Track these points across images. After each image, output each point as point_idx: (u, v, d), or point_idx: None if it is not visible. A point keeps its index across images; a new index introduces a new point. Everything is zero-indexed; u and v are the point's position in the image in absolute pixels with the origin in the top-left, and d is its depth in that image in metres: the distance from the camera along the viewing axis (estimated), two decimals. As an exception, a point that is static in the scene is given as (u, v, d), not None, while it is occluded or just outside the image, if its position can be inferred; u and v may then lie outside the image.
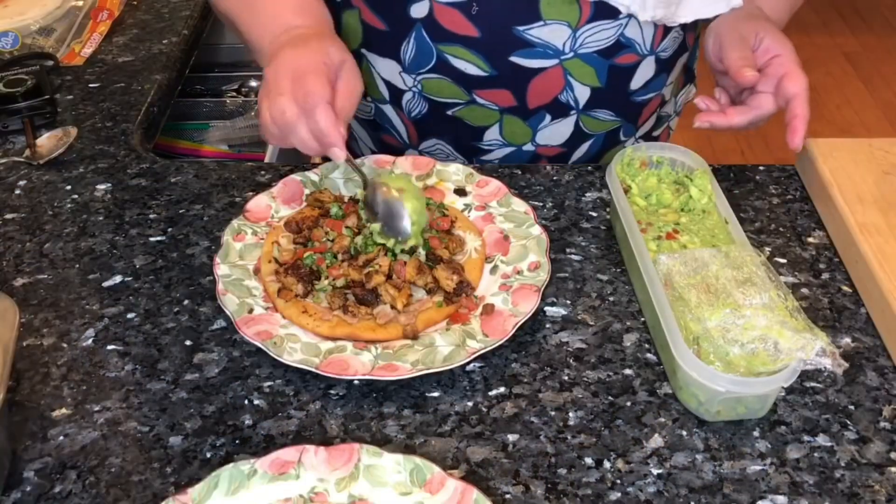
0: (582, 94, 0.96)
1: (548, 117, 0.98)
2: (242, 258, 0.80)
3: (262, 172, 0.96)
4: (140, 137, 1.04)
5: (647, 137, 1.08)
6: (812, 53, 3.33)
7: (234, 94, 1.51)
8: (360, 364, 0.70)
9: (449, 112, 0.98)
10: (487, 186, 0.88)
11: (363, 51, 0.98)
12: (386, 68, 0.98)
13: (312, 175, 0.90)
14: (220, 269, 0.78)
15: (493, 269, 0.80)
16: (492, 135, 1.00)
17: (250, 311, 0.75)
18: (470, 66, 0.93)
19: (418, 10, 0.90)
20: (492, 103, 0.96)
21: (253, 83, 1.54)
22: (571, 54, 0.92)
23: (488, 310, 0.75)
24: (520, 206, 0.85)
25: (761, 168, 0.96)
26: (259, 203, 0.86)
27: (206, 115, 1.44)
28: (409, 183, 0.81)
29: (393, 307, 0.75)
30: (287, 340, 0.72)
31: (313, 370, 0.70)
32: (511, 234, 0.83)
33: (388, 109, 1.02)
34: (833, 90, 3.12)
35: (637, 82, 0.97)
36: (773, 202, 0.91)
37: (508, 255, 0.81)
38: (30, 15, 1.25)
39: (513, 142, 1.00)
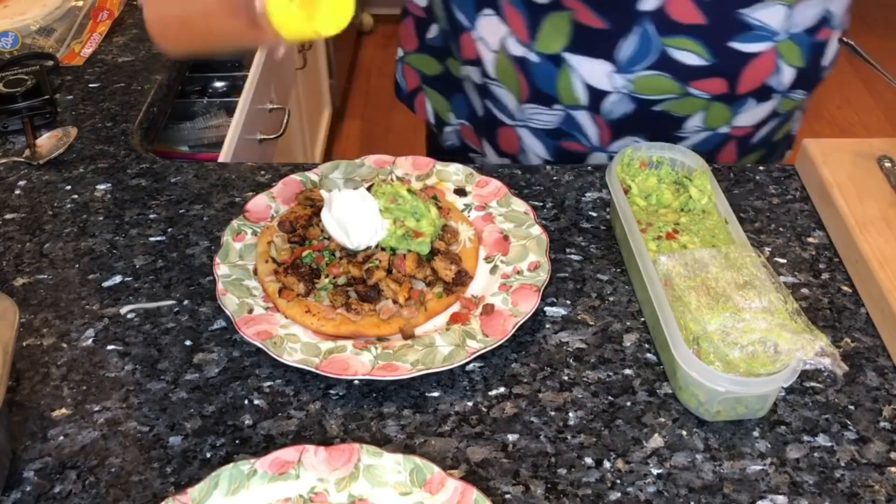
0: (788, 77, 0.94)
1: (752, 101, 0.96)
2: (242, 258, 0.80)
3: (262, 172, 0.96)
4: (140, 137, 1.04)
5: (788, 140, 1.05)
6: (812, 53, 3.33)
7: (197, 95, 1.52)
8: (359, 364, 0.70)
9: (656, 108, 0.95)
10: (487, 186, 0.88)
11: (564, 55, 0.94)
12: (592, 71, 0.94)
13: (312, 175, 0.90)
14: (220, 270, 0.78)
15: (493, 269, 0.80)
16: (694, 122, 0.97)
17: (250, 311, 0.75)
18: (691, 56, 0.91)
19: (648, 4, 0.88)
20: (704, 93, 0.94)
21: (217, 84, 1.56)
22: (785, 35, 0.91)
23: (488, 310, 0.75)
24: (520, 206, 0.85)
25: (761, 168, 0.96)
26: (259, 203, 0.86)
27: (171, 116, 1.44)
28: (398, 189, 0.81)
29: (395, 301, 0.75)
30: (287, 340, 0.72)
31: (313, 370, 0.70)
32: (511, 234, 0.83)
33: (581, 115, 0.98)
34: (833, 90, 3.12)
35: (826, 59, 0.97)
36: (773, 202, 0.91)
37: (508, 255, 0.81)
38: (30, 15, 1.25)
39: (712, 126, 0.98)
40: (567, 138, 1.00)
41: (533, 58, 0.95)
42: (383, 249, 0.78)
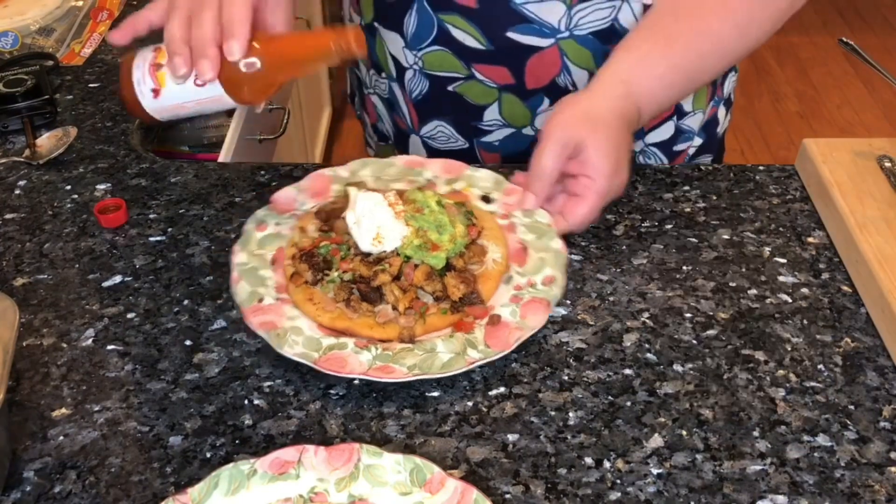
0: (581, 78, 0.96)
1: (547, 101, 0.98)
2: (262, 248, 0.81)
3: (262, 172, 0.96)
4: (140, 137, 1.04)
5: (666, 147, 1.05)
6: (812, 53, 3.33)
7: None
8: (357, 363, 0.70)
9: (449, 87, 0.98)
10: (514, 195, 0.86)
11: (376, 24, 1.00)
12: (393, 43, 0.99)
13: (342, 171, 0.90)
14: (238, 258, 0.79)
15: (508, 280, 0.78)
16: (491, 114, 1.00)
17: (260, 300, 0.75)
18: (468, 38, 0.94)
19: None
20: (490, 80, 0.97)
21: None
22: (567, 34, 0.92)
23: (494, 320, 0.74)
24: (544, 217, 0.83)
25: (761, 168, 0.96)
26: (286, 194, 0.87)
27: None
28: (427, 199, 0.80)
29: (395, 308, 0.75)
30: (290, 333, 0.72)
31: (311, 364, 0.70)
32: (530, 246, 0.81)
33: (396, 88, 1.03)
34: (833, 90, 3.12)
35: None
36: (773, 202, 0.91)
37: (524, 267, 0.79)
38: (30, 15, 1.25)
39: (513, 123, 1.00)
40: (395, 111, 1.07)
41: (363, 25, 1.02)
42: (399, 255, 0.77)
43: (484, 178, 0.89)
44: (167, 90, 0.78)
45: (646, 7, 0.92)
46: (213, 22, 0.73)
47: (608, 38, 0.93)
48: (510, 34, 0.92)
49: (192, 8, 0.74)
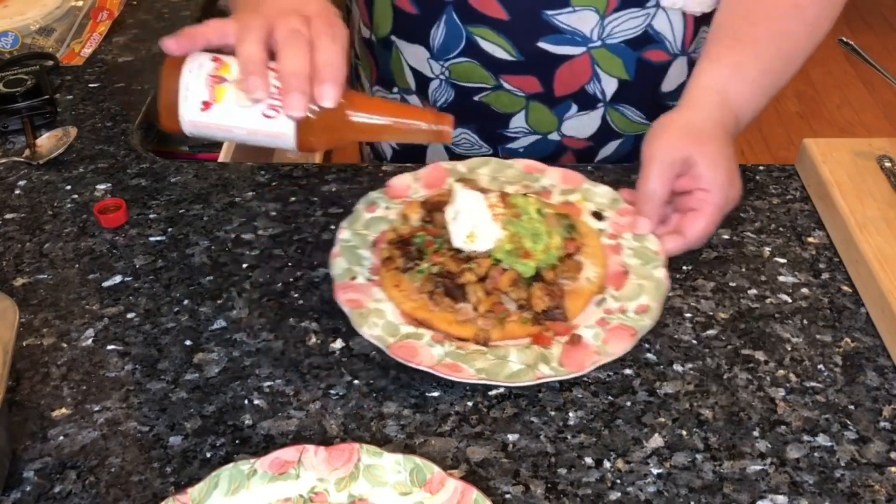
0: (609, 86, 0.95)
1: (574, 107, 0.97)
2: (367, 228, 0.82)
3: (262, 172, 0.96)
4: (140, 137, 1.04)
5: None
6: (812, 53, 3.33)
7: None
8: (428, 356, 0.70)
9: (476, 98, 0.98)
10: (628, 216, 0.83)
11: (393, 38, 0.99)
12: (414, 55, 0.98)
13: (461, 166, 0.90)
14: (342, 234, 0.81)
15: (600, 301, 0.76)
16: (518, 122, 0.99)
17: (353, 278, 0.77)
18: (498, 49, 0.93)
19: None
20: (518, 89, 0.96)
21: None
22: (599, 43, 0.92)
23: (575, 340, 0.72)
24: (653, 244, 0.80)
25: (761, 168, 0.96)
26: (401, 181, 0.88)
27: None
28: (528, 205, 0.78)
29: (475, 308, 0.74)
30: (373, 315, 0.73)
31: (383, 348, 0.71)
32: (632, 271, 0.78)
33: (414, 100, 1.02)
34: (833, 90, 3.12)
35: (669, 84, 0.97)
36: (773, 202, 0.91)
37: (621, 291, 0.77)
38: (30, 15, 1.25)
39: (538, 130, 1.00)
40: None
41: (374, 40, 1.01)
42: (489, 257, 0.76)
43: (601, 193, 0.86)
44: (222, 107, 0.71)
45: (684, 15, 0.92)
46: (307, 59, 0.68)
47: (641, 45, 0.93)
48: (541, 44, 0.92)
49: (275, 36, 0.69)
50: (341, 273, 0.77)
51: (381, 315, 0.74)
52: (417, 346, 0.71)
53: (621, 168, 0.94)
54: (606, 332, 0.73)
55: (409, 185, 0.88)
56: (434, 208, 0.82)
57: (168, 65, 0.73)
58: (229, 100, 0.71)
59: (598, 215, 0.85)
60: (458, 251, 0.77)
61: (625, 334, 0.72)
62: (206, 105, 0.71)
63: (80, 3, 1.29)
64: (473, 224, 0.76)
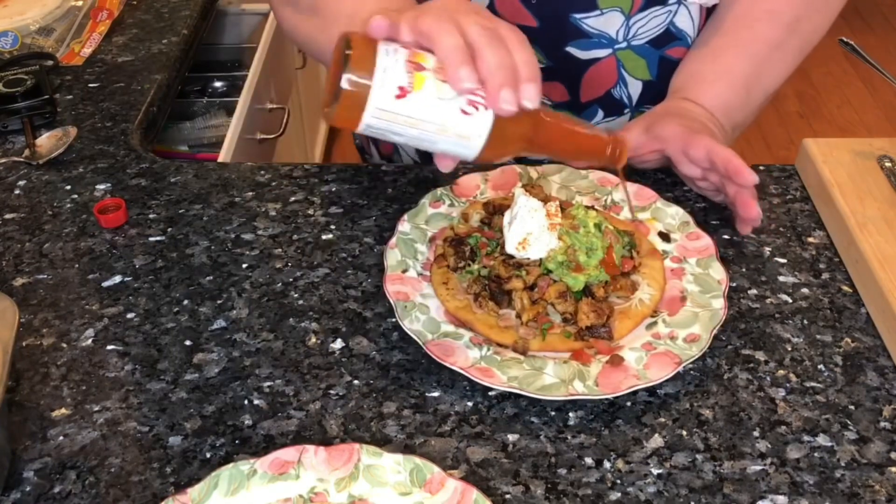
0: (635, 89, 0.96)
1: (601, 113, 0.97)
2: (427, 223, 0.83)
3: (262, 172, 0.96)
4: (140, 137, 1.04)
5: None
6: (812, 53, 3.32)
7: (197, 95, 1.52)
8: (464, 357, 0.70)
9: None
10: (697, 241, 0.81)
11: None
12: None
13: (533, 171, 0.90)
14: (403, 226, 0.82)
15: (651, 325, 0.74)
16: None
17: (405, 270, 0.78)
18: None
19: (478, 1, 0.89)
20: (545, 98, 0.96)
21: (217, 84, 1.55)
22: (625, 44, 0.92)
23: (616, 361, 0.70)
24: (718, 273, 0.77)
25: (761, 168, 0.95)
26: (470, 181, 0.88)
27: (170, 116, 1.45)
28: (587, 218, 0.77)
29: (518, 316, 0.74)
30: (417, 309, 0.74)
31: (420, 343, 0.71)
32: (690, 298, 0.76)
33: None
34: (833, 90, 3.12)
35: None
36: (773, 202, 0.91)
37: (674, 317, 0.74)
38: (29, 15, 1.25)
39: None
40: None
41: None
42: (539, 266, 0.75)
43: (672, 214, 0.84)
44: (419, 97, 0.65)
45: (702, 8, 0.92)
46: (510, 56, 0.65)
47: (663, 43, 0.94)
48: (569, 49, 0.92)
49: (469, 34, 0.65)
50: (394, 264, 0.78)
51: (424, 310, 0.74)
52: (455, 345, 0.71)
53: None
54: (649, 357, 0.70)
55: (478, 184, 0.88)
56: (496, 211, 0.82)
57: (358, 44, 0.65)
58: (429, 88, 0.65)
59: (664, 236, 0.82)
60: (510, 257, 0.76)
61: (669, 362, 0.69)
62: (403, 92, 0.64)
63: (80, 3, 1.29)
64: (527, 231, 0.75)
